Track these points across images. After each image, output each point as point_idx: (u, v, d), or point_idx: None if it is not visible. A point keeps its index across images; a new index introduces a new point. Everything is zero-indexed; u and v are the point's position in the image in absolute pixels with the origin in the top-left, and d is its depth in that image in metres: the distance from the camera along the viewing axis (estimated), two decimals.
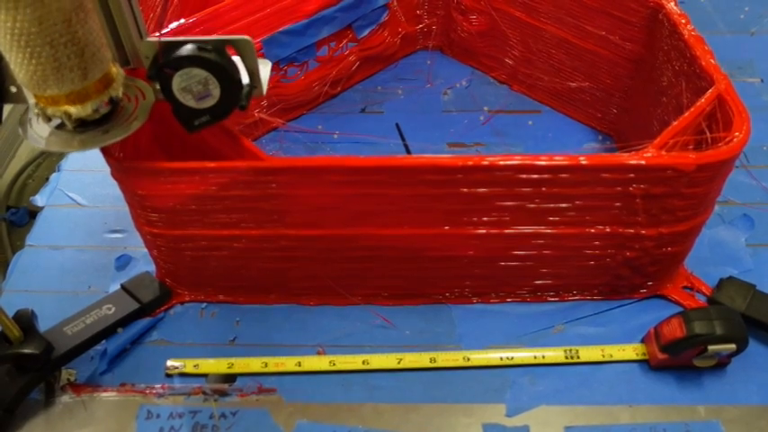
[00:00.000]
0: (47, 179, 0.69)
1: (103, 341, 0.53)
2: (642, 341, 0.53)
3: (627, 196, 0.48)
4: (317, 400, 0.51)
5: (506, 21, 0.73)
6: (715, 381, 0.51)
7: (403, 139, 0.72)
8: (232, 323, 0.56)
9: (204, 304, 0.57)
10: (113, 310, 0.53)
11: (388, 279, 0.56)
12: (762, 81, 0.77)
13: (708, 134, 0.50)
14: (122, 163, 0.47)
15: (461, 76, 0.80)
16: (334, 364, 0.53)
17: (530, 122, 0.74)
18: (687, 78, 0.55)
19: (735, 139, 0.46)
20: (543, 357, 0.53)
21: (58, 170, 0.69)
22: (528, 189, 0.48)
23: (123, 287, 0.55)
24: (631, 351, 0.53)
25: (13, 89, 0.44)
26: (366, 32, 0.76)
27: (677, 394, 0.51)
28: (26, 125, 0.45)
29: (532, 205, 0.49)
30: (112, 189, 0.51)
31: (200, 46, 0.42)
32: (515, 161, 0.46)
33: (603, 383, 0.52)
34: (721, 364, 0.52)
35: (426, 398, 0.51)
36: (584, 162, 0.46)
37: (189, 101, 0.44)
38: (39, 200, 0.66)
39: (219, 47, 0.43)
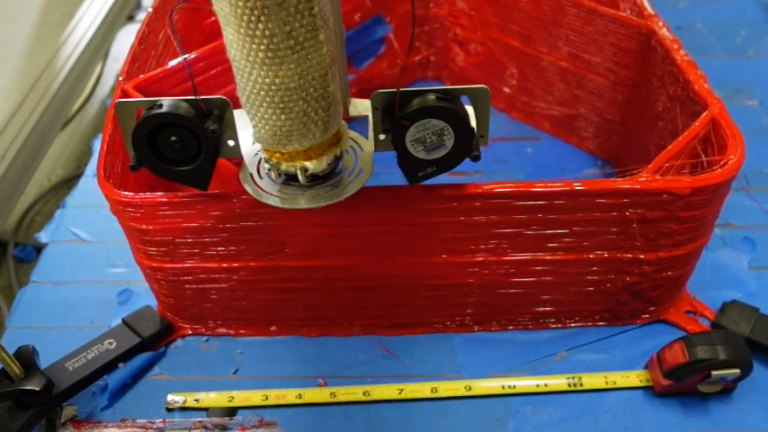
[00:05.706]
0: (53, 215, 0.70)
1: (105, 376, 0.53)
2: (646, 367, 0.53)
3: (624, 221, 0.48)
4: None
5: (503, 50, 0.74)
6: (721, 407, 0.51)
7: None
8: (233, 356, 0.56)
9: (205, 337, 0.57)
10: (114, 344, 0.54)
11: (389, 309, 0.56)
12: (760, 104, 0.77)
13: (703, 158, 0.50)
14: (120, 197, 0.48)
15: None
16: (335, 396, 0.52)
17: (529, 150, 0.74)
18: (681, 103, 0.55)
19: (730, 162, 0.46)
20: (546, 385, 0.52)
21: (63, 206, 0.70)
22: (524, 216, 0.48)
23: (124, 322, 0.56)
24: (635, 378, 0.52)
25: (231, 143, 0.43)
26: (365, 64, 0.77)
27: (683, 421, 0.50)
28: (250, 182, 0.44)
29: (530, 232, 0.49)
30: (115, 224, 0.51)
31: (440, 96, 0.41)
32: (510, 188, 0.47)
33: (608, 411, 0.51)
34: (727, 389, 0.51)
35: (428, 428, 0.50)
36: (579, 188, 0.46)
37: (419, 152, 0.42)
38: (43, 236, 0.67)
39: (457, 96, 0.41)
